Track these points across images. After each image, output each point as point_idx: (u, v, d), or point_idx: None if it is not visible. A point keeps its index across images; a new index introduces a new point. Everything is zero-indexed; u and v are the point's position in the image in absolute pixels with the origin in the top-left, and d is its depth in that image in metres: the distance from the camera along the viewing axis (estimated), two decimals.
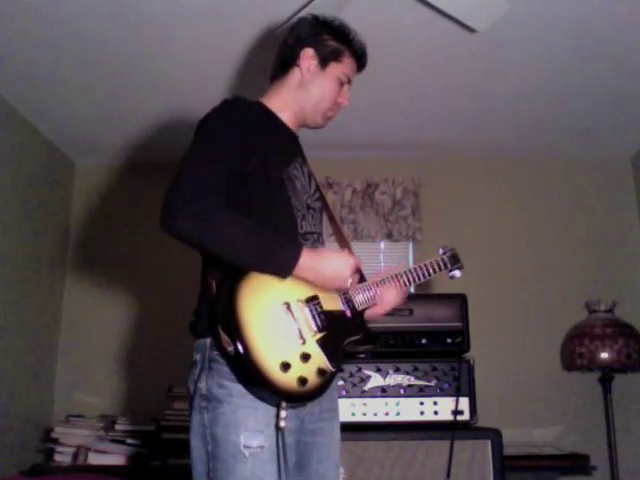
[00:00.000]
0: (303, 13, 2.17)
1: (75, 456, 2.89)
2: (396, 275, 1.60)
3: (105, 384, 3.36)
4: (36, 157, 3.27)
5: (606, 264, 3.48)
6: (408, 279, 1.61)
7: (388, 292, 1.58)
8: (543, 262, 3.50)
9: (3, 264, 2.94)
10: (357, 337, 1.49)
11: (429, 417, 2.41)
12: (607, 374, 3.12)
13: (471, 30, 2.40)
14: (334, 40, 1.61)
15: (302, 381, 1.32)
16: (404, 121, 3.27)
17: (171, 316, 3.32)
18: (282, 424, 1.30)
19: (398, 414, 2.42)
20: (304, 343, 1.35)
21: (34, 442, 3.12)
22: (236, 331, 1.28)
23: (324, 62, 1.60)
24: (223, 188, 1.37)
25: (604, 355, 3.02)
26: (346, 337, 1.46)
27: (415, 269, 1.63)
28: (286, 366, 1.30)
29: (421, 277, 1.63)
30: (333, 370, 1.40)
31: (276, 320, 1.34)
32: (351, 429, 2.31)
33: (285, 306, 1.36)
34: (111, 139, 3.42)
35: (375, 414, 2.42)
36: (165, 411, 3.02)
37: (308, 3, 2.15)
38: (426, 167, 3.62)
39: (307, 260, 1.36)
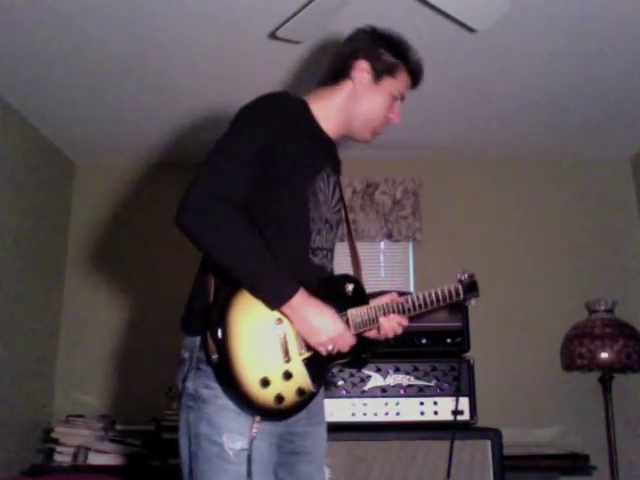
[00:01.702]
0: (304, 13, 2.17)
1: (75, 456, 2.89)
2: (402, 302, 1.51)
3: (105, 384, 3.36)
4: (36, 157, 3.27)
5: (606, 264, 3.48)
6: (414, 306, 1.52)
7: (389, 320, 1.49)
8: (543, 262, 3.50)
9: (3, 264, 2.94)
10: (345, 360, 1.45)
11: (429, 417, 2.41)
12: (607, 374, 3.12)
13: (471, 30, 2.40)
14: (391, 54, 1.56)
15: (279, 399, 1.31)
16: (404, 121, 3.24)
17: (171, 316, 3.31)
18: (254, 434, 1.30)
19: (398, 414, 2.42)
20: (289, 361, 1.34)
21: (34, 442, 3.12)
22: (222, 341, 1.28)
23: (379, 76, 1.55)
24: (244, 191, 1.35)
25: (604, 355, 3.02)
26: (334, 359, 1.43)
27: (424, 295, 1.52)
28: (265, 382, 1.30)
29: (428, 304, 1.52)
30: (314, 391, 1.39)
31: (265, 335, 1.33)
32: (351, 429, 2.32)
33: (277, 321, 1.35)
34: (112, 140, 3.42)
35: (375, 414, 2.42)
36: (165, 411, 3.02)
37: (308, 3, 2.15)
38: (426, 167, 3.62)
39: (298, 301, 1.32)
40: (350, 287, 1.50)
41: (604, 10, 2.32)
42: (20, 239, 3.09)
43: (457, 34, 2.46)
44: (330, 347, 1.36)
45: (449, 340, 2.51)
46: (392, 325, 1.50)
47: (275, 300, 1.32)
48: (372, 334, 1.52)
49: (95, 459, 2.86)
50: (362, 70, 1.55)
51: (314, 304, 1.36)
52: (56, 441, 2.96)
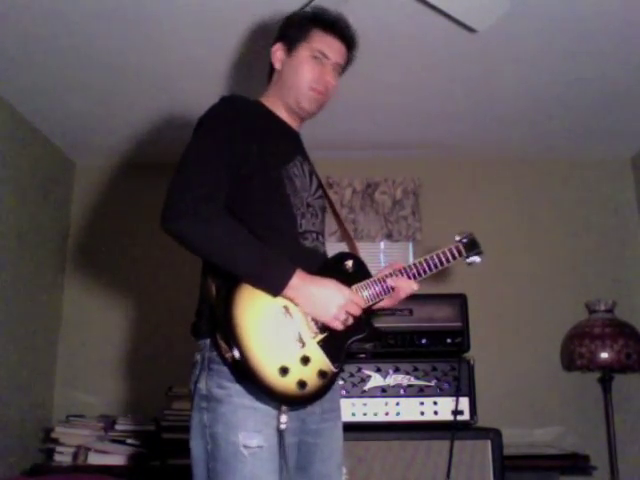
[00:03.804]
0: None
1: (75, 456, 2.89)
2: (405, 267, 1.53)
3: (105, 384, 3.36)
4: (36, 157, 3.27)
5: (606, 264, 3.48)
6: (418, 270, 1.53)
7: (400, 283, 1.50)
8: (543, 262, 3.50)
9: (3, 264, 2.94)
10: (361, 335, 1.45)
11: (429, 417, 2.41)
12: (607, 374, 3.12)
13: (471, 30, 2.40)
14: (298, 24, 1.60)
15: (301, 384, 1.32)
16: (404, 121, 3.26)
17: (171, 316, 3.33)
18: (282, 427, 1.31)
19: (398, 414, 2.42)
20: (303, 346, 1.35)
21: (34, 442, 3.12)
22: (232, 338, 1.28)
23: (291, 48, 1.58)
24: (224, 192, 1.37)
25: (604, 355, 3.02)
26: (350, 336, 1.43)
27: (427, 259, 1.55)
28: (284, 370, 1.30)
29: (432, 267, 1.55)
30: (335, 371, 1.39)
31: (274, 324, 1.34)
32: (351, 429, 2.30)
33: (284, 309, 1.35)
34: (111, 139, 3.42)
35: (375, 414, 2.42)
36: (165, 411, 3.01)
37: (308, 3, 2.15)
38: (426, 167, 3.62)
39: (298, 282, 1.33)
40: (350, 263, 1.51)
41: (604, 10, 2.31)
42: (20, 239, 3.09)
43: (457, 34, 2.46)
44: (343, 317, 1.37)
45: (449, 340, 2.51)
46: (402, 286, 1.50)
47: (275, 286, 1.33)
48: (385, 304, 1.53)
49: (95, 459, 2.86)
50: (276, 51, 1.61)
51: (314, 280, 1.37)
52: (56, 441, 2.96)
